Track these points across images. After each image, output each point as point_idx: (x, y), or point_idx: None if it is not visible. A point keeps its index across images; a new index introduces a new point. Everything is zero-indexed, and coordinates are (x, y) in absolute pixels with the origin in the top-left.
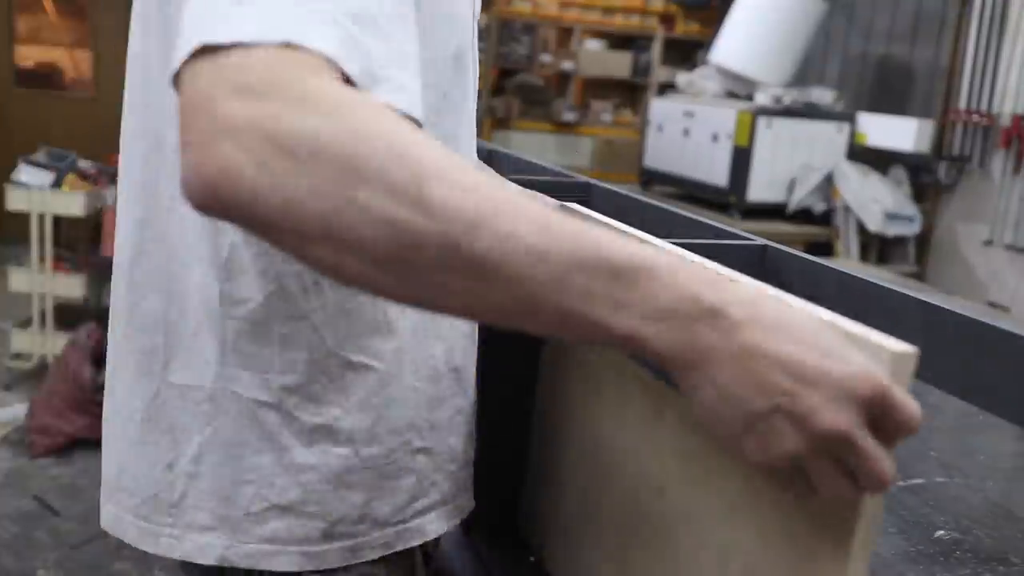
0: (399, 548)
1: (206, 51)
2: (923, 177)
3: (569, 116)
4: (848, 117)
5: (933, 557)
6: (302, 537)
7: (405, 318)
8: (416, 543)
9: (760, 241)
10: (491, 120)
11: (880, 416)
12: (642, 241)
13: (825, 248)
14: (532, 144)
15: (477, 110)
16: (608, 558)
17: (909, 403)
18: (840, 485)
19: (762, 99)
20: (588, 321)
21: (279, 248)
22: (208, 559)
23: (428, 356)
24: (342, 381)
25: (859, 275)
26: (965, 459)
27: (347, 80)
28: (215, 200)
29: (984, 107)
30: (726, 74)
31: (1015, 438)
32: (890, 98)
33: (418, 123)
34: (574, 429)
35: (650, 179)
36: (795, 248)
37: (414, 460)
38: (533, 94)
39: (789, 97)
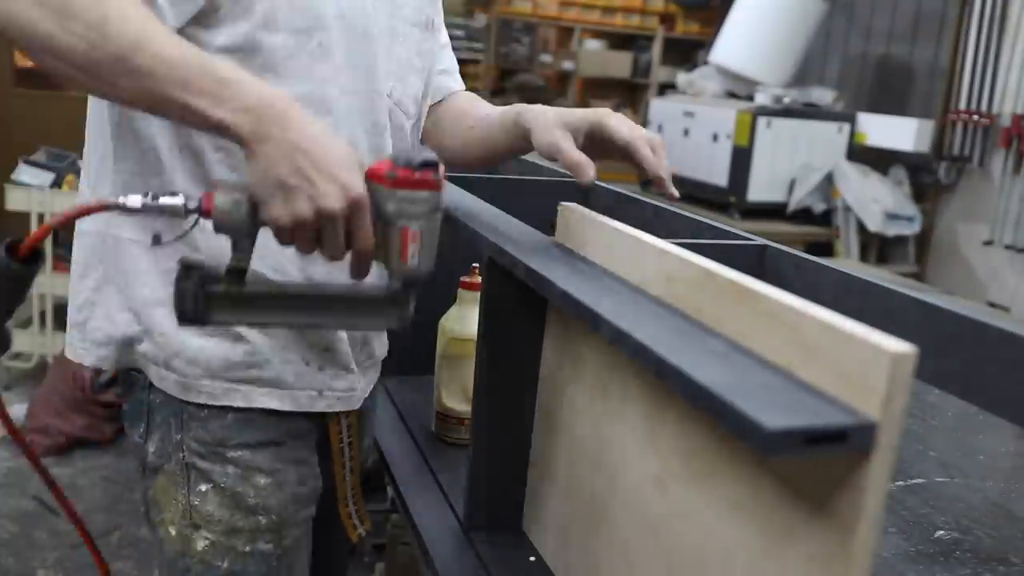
0: (223, 403)
1: None
2: (923, 177)
3: None
4: (848, 117)
5: (933, 557)
6: (153, 357)
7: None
8: (238, 404)
9: (760, 241)
10: None
11: (351, 217)
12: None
13: (825, 248)
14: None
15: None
16: (610, 555)
17: (367, 236)
18: (333, 246)
19: (762, 99)
20: (197, 111)
21: (28, 57)
22: (108, 367)
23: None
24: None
25: (859, 275)
26: (965, 459)
27: None
28: None
29: (984, 107)
30: (726, 74)
31: (1015, 438)
32: (890, 98)
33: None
34: (576, 428)
35: (650, 179)
36: (795, 248)
37: (249, 331)
38: (533, 94)
39: (789, 97)
